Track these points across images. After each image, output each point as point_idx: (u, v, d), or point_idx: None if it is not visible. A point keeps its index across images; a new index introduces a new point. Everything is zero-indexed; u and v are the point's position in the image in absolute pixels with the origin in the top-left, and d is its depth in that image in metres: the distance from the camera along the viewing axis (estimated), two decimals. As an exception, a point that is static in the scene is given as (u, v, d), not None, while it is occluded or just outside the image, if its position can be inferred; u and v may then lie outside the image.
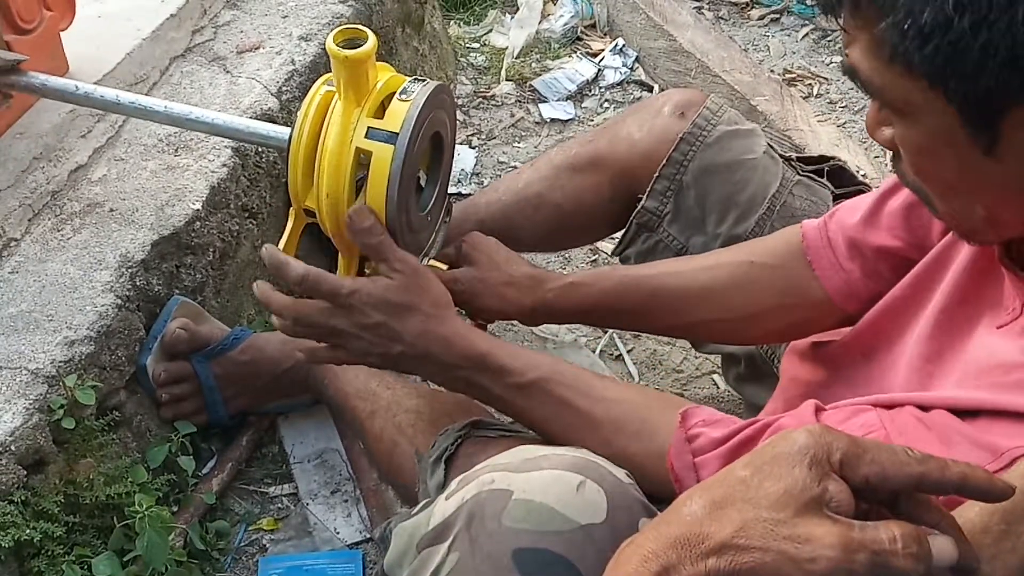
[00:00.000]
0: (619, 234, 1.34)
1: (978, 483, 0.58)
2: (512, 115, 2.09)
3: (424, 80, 1.03)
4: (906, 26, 0.63)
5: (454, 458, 1.02)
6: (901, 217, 0.98)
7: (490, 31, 2.32)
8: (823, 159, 1.27)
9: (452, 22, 2.31)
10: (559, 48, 2.26)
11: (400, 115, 0.99)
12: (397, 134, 0.98)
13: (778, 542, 0.54)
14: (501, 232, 1.30)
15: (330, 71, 1.02)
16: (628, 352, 1.63)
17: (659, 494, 0.81)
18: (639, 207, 1.26)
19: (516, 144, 2.03)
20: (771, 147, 1.27)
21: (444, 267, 1.13)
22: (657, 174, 1.24)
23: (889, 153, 0.79)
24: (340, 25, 1.61)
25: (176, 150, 1.39)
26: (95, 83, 1.34)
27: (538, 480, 0.71)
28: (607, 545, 0.64)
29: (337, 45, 0.97)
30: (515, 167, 1.94)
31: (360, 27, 0.99)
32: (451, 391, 1.03)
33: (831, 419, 0.79)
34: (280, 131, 1.11)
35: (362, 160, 1.00)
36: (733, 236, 1.22)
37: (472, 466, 0.95)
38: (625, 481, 0.73)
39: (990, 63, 0.62)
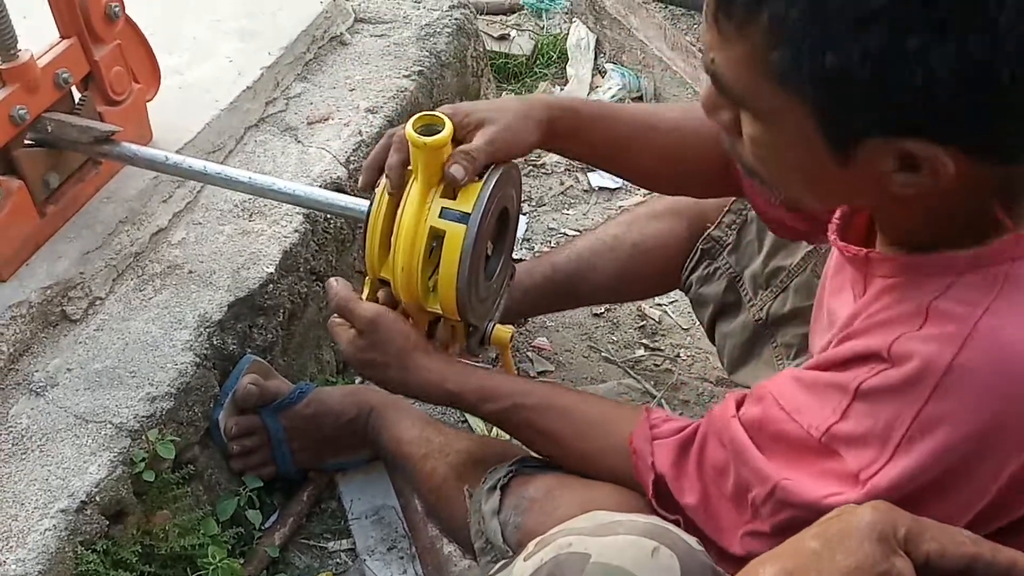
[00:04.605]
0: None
1: None
2: (561, 183, 2.15)
3: (494, 159, 1.09)
4: (804, 61, 0.68)
5: (507, 487, 1.09)
6: None
7: (540, 101, 2.39)
8: None
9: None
10: (607, 119, 2.32)
11: (472, 196, 1.05)
12: (469, 214, 1.05)
13: None
14: (572, 272, 1.44)
15: None
16: (675, 418, 1.66)
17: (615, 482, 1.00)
18: (705, 234, 1.38)
19: (565, 211, 2.09)
20: None
21: (510, 330, 1.18)
22: (727, 208, 1.36)
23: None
24: (404, 98, 1.71)
25: (251, 215, 1.46)
26: (177, 151, 1.42)
27: (614, 545, 0.75)
28: (681, 609, 0.68)
29: (415, 131, 1.04)
30: (565, 234, 2.00)
31: (437, 114, 1.06)
32: None
33: (735, 398, 0.91)
34: (358, 204, 1.17)
35: (436, 234, 1.07)
36: (778, 268, 1.33)
37: (525, 491, 1.06)
38: (696, 548, 0.77)
39: (878, 104, 0.68)
